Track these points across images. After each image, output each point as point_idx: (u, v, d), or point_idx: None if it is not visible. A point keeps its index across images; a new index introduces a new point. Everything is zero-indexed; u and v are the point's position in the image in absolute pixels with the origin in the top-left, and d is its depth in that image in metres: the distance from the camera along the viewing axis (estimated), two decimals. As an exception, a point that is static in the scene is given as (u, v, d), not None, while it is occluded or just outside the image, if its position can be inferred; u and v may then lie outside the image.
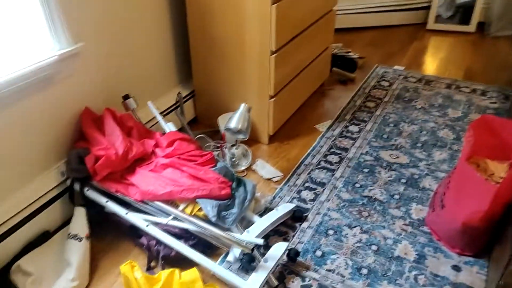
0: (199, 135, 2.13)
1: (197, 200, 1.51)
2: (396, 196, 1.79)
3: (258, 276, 1.37)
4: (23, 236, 1.50)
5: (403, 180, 1.88)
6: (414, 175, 1.91)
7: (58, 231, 1.60)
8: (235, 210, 1.52)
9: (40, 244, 1.53)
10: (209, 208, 1.48)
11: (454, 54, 3.13)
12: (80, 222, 1.54)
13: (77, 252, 1.46)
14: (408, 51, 3.21)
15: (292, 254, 1.49)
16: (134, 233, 1.58)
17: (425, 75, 2.83)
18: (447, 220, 1.49)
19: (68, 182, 1.61)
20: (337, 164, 2.00)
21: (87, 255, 1.49)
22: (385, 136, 2.20)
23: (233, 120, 1.79)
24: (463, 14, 3.43)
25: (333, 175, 1.93)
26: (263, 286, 1.40)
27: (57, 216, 1.62)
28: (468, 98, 2.54)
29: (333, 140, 2.18)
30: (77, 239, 1.49)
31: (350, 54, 3.02)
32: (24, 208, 1.49)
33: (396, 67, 2.97)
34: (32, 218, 1.52)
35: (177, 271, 1.43)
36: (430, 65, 2.98)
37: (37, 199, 1.53)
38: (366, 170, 1.96)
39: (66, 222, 1.60)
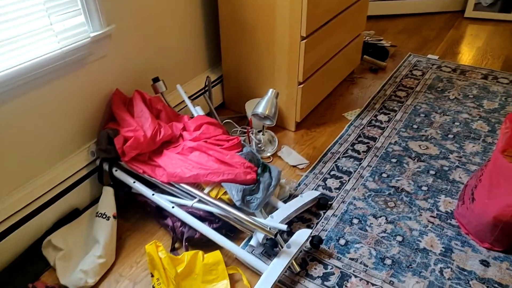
0: (226, 120, 2.13)
1: (222, 184, 1.52)
2: (424, 188, 1.75)
3: (281, 262, 1.37)
4: (54, 213, 1.55)
5: (432, 172, 1.84)
6: (444, 167, 1.86)
7: (87, 209, 1.64)
8: (259, 195, 1.52)
9: (70, 221, 1.58)
10: (234, 192, 1.49)
11: (492, 43, 3.01)
12: (108, 201, 1.58)
13: (104, 230, 1.50)
14: (443, 39, 3.10)
15: (316, 241, 1.48)
16: (160, 214, 1.61)
17: (460, 65, 2.74)
18: (477, 213, 1.45)
19: (98, 162, 1.65)
20: (365, 153, 1.97)
21: (114, 233, 1.52)
22: (415, 126, 2.15)
23: (261, 106, 1.78)
24: (504, 1, 3.28)
25: (360, 164, 1.90)
26: (285, 271, 1.41)
27: (86, 194, 1.67)
28: (505, 89, 2.44)
29: (361, 129, 2.15)
30: (105, 217, 1.52)
31: (382, 42, 2.95)
32: (56, 186, 1.54)
33: (429, 56, 2.88)
34: (63, 196, 1.57)
35: (200, 253, 1.45)
36: (466, 55, 2.88)
37: (68, 178, 1.57)
38: (394, 160, 1.92)
39: (95, 201, 1.65)
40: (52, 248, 1.49)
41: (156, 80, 1.79)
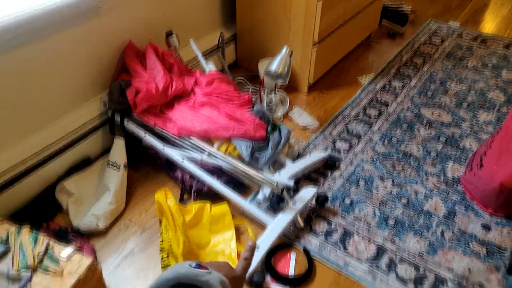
0: (239, 78, 2.13)
1: (232, 139, 1.54)
2: (433, 154, 1.75)
3: (285, 216, 1.40)
4: (67, 160, 1.60)
5: (443, 139, 1.83)
6: (455, 134, 1.85)
7: (98, 159, 1.68)
8: (268, 151, 1.54)
9: (82, 169, 1.62)
10: (243, 147, 1.50)
11: (517, 12, 2.91)
12: (119, 151, 1.61)
13: (115, 178, 1.54)
14: (466, 7, 3.01)
15: (321, 199, 1.51)
16: (170, 167, 1.64)
17: (482, 33, 2.67)
18: (484, 179, 1.45)
19: (109, 113, 1.68)
20: (376, 118, 1.96)
21: (124, 182, 1.56)
22: (429, 93, 2.12)
23: (274, 64, 1.77)
24: (533, -31, 3.15)
25: (370, 128, 1.90)
26: (290, 226, 1.44)
27: (98, 144, 1.70)
28: (526, 60, 2.38)
29: (374, 94, 2.13)
30: (116, 166, 1.56)
31: (402, 7, 2.87)
32: (69, 133, 1.57)
33: (451, 23, 2.80)
34: (76, 144, 1.61)
35: (208, 204, 1.49)
36: (490, 23, 2.80)
37: (81, 126, 1.61)
38: (405, 125, 1.91)
39: (106, 150, 1.68)
40: (65, 192, 1.54)
41: (169, 34, 1.78)
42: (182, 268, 0.69)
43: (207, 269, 0.69)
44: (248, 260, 0.85)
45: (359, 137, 1.85)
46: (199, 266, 0.69)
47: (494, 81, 2.20)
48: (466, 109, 2.01)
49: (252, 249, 0.87)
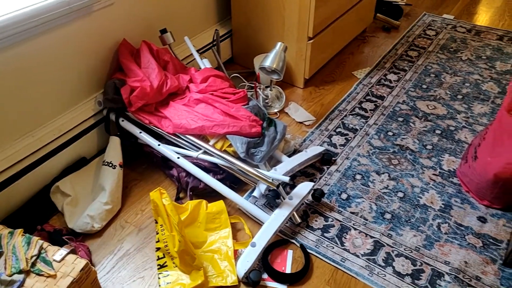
0: (234, 75, 2.12)
1: (227, 136, 1.54)
2: (429, 147, 1.75)
3: (282, 212, 1.40)
4: (62, 160, 1.59)
5: (438, 131, 1.83)
6: (450, 127, 1.85)
7: (94, 158, 1.68)
8: (264, 148, 1.54)
9: (77, 169, 1.62)
10: (238, 144, 1.50)
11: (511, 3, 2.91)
12: (114, 150, 1.60)
13: (110, 178, 1.53)
14: (460, -1, 3.01)
15: (317, 194, 1.51)
16: (165, 164, 1.64)
17: (476, 25, 2.66)
18: (479, 171, 1.45)
19: (105, 112, 1.67)
20: (372, 112, 1.96)
21: (120, 182, 1.56)
22: (424, 86, 2.12)
23: (268, 59, 1.76)
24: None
25: (366, 122, 1.90)
26: (286, 222, 1.44)
27: (93, 144, 1.70)
28: (520, 52, 2.38)
29: (370, 88, 2.13)
30: (111, 166, 1.56)
31: (396, 0, 2.86)
32: (64, 134, 1.56)
33: (445, 15, 2.80)
34: (70, 144, 1.60)
35: (204, 202, 1.48)
36: (484, 15, 2.79)
37: (76, 126, 1.60)
38: (400, 119, 1.91)
39: (102, 150, 1.68)
40: (60, 193, 1.53)
41: (164, 31, 1.77)
42: None
43: None
44: None
45: (355, 131, 1.85)
46: None
47: (488, 73, 2.21)
48: (461, 101, 2.01)
49: None
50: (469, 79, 2.16)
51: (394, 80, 2.17)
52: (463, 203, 1.50)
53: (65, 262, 1.16)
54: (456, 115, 1.92)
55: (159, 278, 1.32)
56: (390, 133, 1.83)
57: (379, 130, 1.85)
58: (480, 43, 2.47)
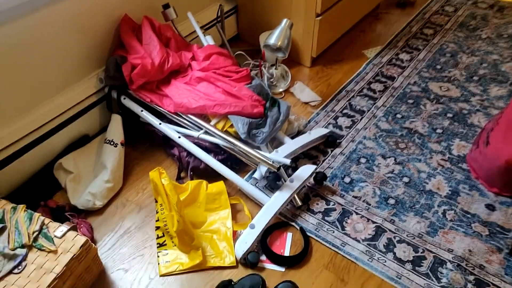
0: (238, 52, 2.07)
1: (229, 116, 1.50)
2: (439, 131, 1.69)
3: (282, 195, 1.37)
4: (65, 137, 1.58)
5: (450, 115, 1.76)
6: (463, 110, 1.78)
7: (96, 136, 1.67)
8: (266, 129, 1.50)
9: (80, 147, 1.61)
10: (240, 125, 1.47)
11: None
12: (116, 128, 1.59)
13: (112, 156, 1.52)
14: (482, -26, 2.86)
15: (319, 177, 1.47)
16: (167, 144, 1.62)
17: (499, 1, 2.53)
18: (490, 157, 1.39)
19: (106, 89, 1.65)
20: (381, 93, 1.89)
21: (122, 160, 1.55)
22: (438, 66, 2.04)
23: (273, 36, 1.71)
24: None
25: (374, 103, 1.84)
26: (287, 205, 1.42)
27: (96, 121, 1.68)
28: (543, 30, 2.26)
29: (380, 68, 2.05)
30: (113, 144, 1.55)
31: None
32: (66, 111, 1.55)
33: (465, -9, 2.67)
34: (73, 121, 1.59)
35: (204, 182, 1.47)
36: (506, -9, 2.65)
37: (78, 104, 1.58)
38: (410, 101, 1.84)
39: (104, 128, 1.66)
40: (63, 170, 1.53)
41: (166, 6, 1.72)
42: None
43: None
44: None
45: (362, 113, 1.79)
46: None
47: (509, 52, 2.10)
48: (476, 83, 1.92)
49: None
50: (487, 59, 2.06)
51: (406, 60, 2.09)
52: (471, 190, 1.45)
53: (65, 238, 1.18)
54: (470, 98, 1.84)
55: (158, 256, 1.32)
56: (398, 116, 1.77)
57: (387, 112, 1.79)
58: (502, 20, 2.35)
